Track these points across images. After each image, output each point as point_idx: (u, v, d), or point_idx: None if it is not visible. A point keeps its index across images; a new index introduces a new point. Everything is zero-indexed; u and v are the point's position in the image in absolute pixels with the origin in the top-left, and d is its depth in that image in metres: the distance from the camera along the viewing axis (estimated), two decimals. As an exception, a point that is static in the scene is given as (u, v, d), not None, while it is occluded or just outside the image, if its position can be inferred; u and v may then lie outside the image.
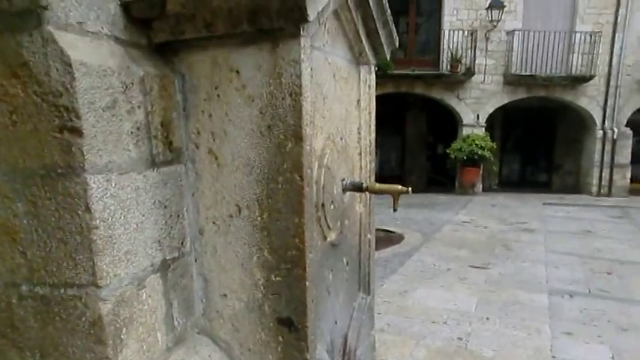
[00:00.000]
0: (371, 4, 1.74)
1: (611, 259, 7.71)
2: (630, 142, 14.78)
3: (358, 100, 1.99)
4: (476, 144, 13.83)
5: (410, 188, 1.70)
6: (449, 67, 14.03)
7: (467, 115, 14.78)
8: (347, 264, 2.00)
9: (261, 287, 1.47)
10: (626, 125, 14.76)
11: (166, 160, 1.38)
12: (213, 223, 1.47)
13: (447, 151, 14.42)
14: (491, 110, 14.88)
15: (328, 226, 1.69)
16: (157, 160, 1.34)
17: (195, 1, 1.27)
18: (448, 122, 15.72)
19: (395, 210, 1.86)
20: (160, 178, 1.35)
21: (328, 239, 1.72)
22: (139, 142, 1.26)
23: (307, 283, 1.42)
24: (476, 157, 13.83)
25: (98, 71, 1.12)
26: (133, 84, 1.23)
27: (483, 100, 14.73)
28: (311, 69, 1.36)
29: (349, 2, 1.64)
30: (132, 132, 1.24)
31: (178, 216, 1.44)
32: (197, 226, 1.49)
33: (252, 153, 1.38)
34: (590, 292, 5.98)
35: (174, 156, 1.41)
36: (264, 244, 1.43)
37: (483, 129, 14.79)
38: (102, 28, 1.20)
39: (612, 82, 14.40)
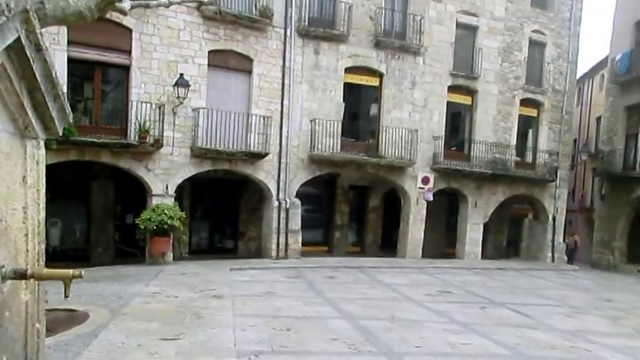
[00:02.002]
0: (38, 76, 1.65)
1: (289, 316, 8.59)
2: (299, 210, 17.04)
3: (24, 177, 1.81)
4: (165, 214, 13.86)
5: (82, 271, 1.61)
6: (137, 137, 13.93)
7: (156, 186, 14.80)
8: (8, 362, 1.74)
9: None
10: (296, 196, 17.03)
11: None
12: None
13: (137, 221, 14.05)
14: (179, 181, 15.26)
15: (-20, 322, 1.45)
16: None
17: None
18: (137, 192, 15.43)
19: (66, 297, 1.73)
20: None
21: (-19, 337, 1.48)
22: None
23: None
24: (166, 226, 13.83)
25: None
26: None
27: (172, 171, 15.03)
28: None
29: (10, 72, 1.52)
30: None
31: None
32: None
33: None
34: (273, 349, 6.51)
35: None
36: None
37: (173, 199, 15.01)
38: None
39: (283, 160, 16.58)
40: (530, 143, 21.37)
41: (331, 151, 16.88)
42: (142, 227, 13.86)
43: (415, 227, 18.85)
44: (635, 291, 15.25)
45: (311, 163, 17.13)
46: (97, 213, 16.44)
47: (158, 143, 14.30)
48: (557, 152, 20.99)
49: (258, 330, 7.42)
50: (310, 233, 18.39)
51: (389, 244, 19.97)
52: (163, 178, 14.92)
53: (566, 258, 22.01)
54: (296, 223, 16.89)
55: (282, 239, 16.63)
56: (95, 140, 13.41)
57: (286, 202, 16.67)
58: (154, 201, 14.64)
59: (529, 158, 21.18)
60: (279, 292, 10.88)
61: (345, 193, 19.87)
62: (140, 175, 14.73)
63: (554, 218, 21.24)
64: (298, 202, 16.99)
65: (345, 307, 9.65)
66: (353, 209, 20.28)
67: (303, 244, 17.21)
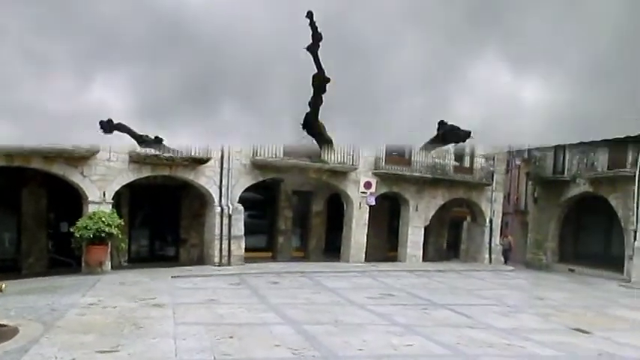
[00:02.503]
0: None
1: (232, 323, 8.49)
2: (242, 216, 16.84)
3: (-61, 184, 1.70)
4: (102, 221, 13.41)
5: (4, 285, 1.52)
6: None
7: (92, 192, 14.26)
8: None
9: None
10: (239, 202, 16.83)
11: None
12: None
13: (72, 230, 13.48)
14: (117, 187, 14.77)
15: None
16: None
17: None
18: (72, 199, 14.81)
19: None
20: None
21: None
22: None
23: None
24: (103, 234, 13.37)
25: None
26: None
27: (110, 177, 14.53)
28: None
29: None
30: None
31: None
32: None
33: None
34: (215, 358, 6.41)
35: None
36: None
37: (110, 206, 14.52)
38: None
39: (225, 165, 16.36)
40: (467, 148, 22.08)
41: (274, 156, 16.81)
42: (78, 236, 13.37)
43: (358, 231, 19.05)
44: (566, 289, 16.05)
45: (254, 169, 16.99)
46: (28, 221, 15.64)
47: (94, 148, 13.79)
48: (493, 157, 21.81)
49: (201, 338, 7.30)
50: (253, 239, 18.21)
51: (333, 249, 20.09)
52: (100, 185, 14.40)
53: (502, 259, 22.88)
54: (239, 228, 16.69)
55: (224, 245, 16.37)
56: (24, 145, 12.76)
57: (229, 207, 16.45)
58: (91, 208, 14.12)
59: (467, 163, 21.91)
60: (222, 300, 10.74)
61: (289, 198, 19.84)
62: (75, 181, 14.17)
63: (490, 221, 22.04)
64: (241, 207, 16.80)
65: (288, 312, 9.63)
66: (296, 214, 20.27)
67: (247, 249, 17.01)
